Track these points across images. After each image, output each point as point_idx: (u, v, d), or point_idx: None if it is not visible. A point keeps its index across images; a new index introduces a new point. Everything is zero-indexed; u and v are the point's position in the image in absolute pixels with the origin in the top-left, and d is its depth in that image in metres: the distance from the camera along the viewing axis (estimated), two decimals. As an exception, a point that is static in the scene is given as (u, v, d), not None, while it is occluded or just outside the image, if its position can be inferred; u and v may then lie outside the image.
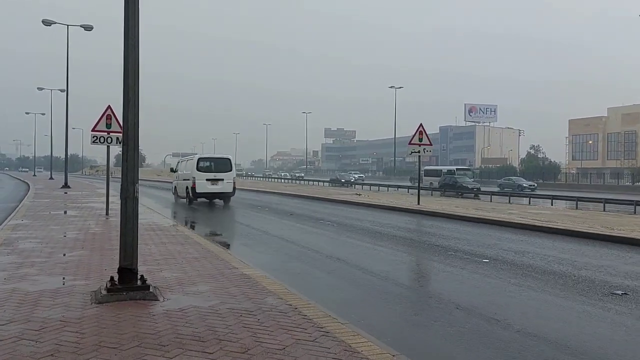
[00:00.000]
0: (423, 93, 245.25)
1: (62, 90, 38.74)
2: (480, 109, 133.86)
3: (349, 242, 11.76)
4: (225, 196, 22.23)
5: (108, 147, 16.57)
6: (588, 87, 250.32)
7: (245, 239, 12.45)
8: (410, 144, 20.46)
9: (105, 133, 16.20)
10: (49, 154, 70.03)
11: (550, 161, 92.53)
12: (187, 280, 6.89)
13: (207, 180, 21.51)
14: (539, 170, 76.20)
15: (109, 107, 16.36)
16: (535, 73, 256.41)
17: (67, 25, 35.53)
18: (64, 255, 8.82)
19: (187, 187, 21.83)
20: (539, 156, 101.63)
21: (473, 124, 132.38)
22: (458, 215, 16.70)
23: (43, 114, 66.73)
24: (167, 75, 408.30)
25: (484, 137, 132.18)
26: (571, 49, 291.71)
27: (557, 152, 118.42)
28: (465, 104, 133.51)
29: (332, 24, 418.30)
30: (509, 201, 33.82)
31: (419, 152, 20.23)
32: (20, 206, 19.18)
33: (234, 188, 22.08)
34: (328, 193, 29.97)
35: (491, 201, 33.76)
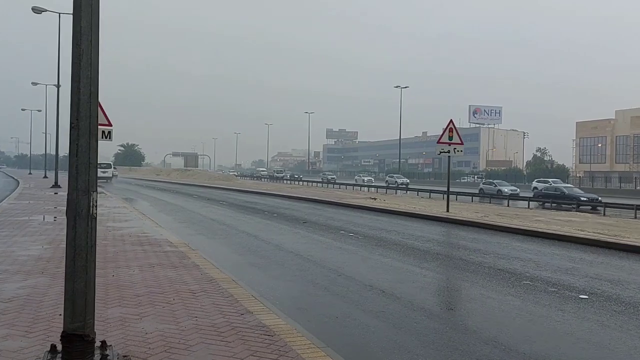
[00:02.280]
0: (426, 95, 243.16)
1: (57, 86, 36.40)
2: (484, 110, 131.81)
3: (385, 263, 9.39)
4: None
5: (92, 142, 14.21)
6: (594, 90, 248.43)
7: (254, 256, 10.09)
8: (439, 142, 18.12)
9: (89, 126, 13.86)
10: (48, 151, 67.86)
11: (558, 164, 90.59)
12: (179, 341, 4.51)
13: None
14: (546, 173, 73.84)
15: (93, 95, 14.02)
16: (541, 75, 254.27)
17: (59, 14, 33.22)
18: (13, 285, 6.44)
19: None
20: (545, 159, 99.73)
21: (477, 125, 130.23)
22: (495, 226, 14.38)
23: (39, 111, 64.32)
24: (168, 73, 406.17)
25: (489, 139, 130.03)
26: (577, 51, 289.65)
27: (564, 155, 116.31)
28: (469, 105, 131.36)
29: (336, 24, 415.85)
30: (528, 206, 31.74)
31: (448, 152, 17.88)
32: (-7, 209, 16.79)
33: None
34: (340, 197, 27.56)
35: (508, 205, 31.69)
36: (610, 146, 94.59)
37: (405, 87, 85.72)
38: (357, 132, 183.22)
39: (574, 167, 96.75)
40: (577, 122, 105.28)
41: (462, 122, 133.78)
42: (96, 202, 3.84)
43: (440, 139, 18.04)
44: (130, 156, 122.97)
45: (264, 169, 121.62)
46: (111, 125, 14.32)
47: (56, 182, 35.43)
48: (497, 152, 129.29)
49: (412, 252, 10.52)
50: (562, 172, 79.72)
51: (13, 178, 55.58)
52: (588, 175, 79.48)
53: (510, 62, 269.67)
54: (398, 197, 32.82)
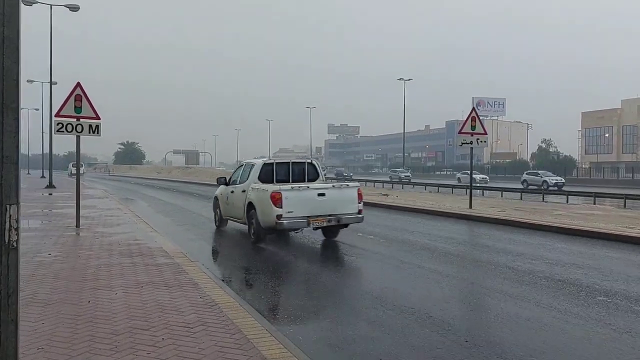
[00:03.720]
0: (429, 89, 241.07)
1: (51, 83, 34.90)
2: (488, 102, 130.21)
3: (422, 274, 7.92)
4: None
5: (78, 137, 12.75)
6: (600, 78, 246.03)
7: (262, 264, 8.62)
8: (460, 132, 16.60)
9: (74, 119, 12.40)
10: (47, 151, 66.31)
11: (564, 155, 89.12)
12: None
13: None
14: (553, 165, 72.20)
15: (78, 85, 12.55)
16: (545, 65, 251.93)
17: (51, 5, 31.74)
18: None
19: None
20: (550, 150, 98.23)
21: (481, 117, 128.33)
22: (530, 224, 12.88)
23: (37, 110, 62.70)
24: (167, 68, 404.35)
25: (493, 131, 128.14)
26: (580, 41, 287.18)
27: (569, 146, 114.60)
28: (472, 97, 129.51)
29: (336, 23, 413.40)
30: (543, 199, 30.25)
31: (471, 142, 16.36)
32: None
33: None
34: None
35: (521, 199, 30.17)
36: (617, 136, 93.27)
37: (409, 80, 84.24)
38: (359, 126, 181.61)
39: (579, 158, 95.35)
40: (582, 112, 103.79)
41: (466, 114, 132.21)
42: (17, 221, 2.35)
43: (461, 128, 16.51)
44: (131, 154, 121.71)
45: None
46: (99, 119, 12.85)
47: (50, 183, 34.15)
48: (501, 144, 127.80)
49: (447, 258, 9.04)
50: (569, 163, 78.23)
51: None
52: (594, 166, 78.01)
53: (513, 54, 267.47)
54: (408, 193, 31.30)
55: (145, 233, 11.37)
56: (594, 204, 26.98)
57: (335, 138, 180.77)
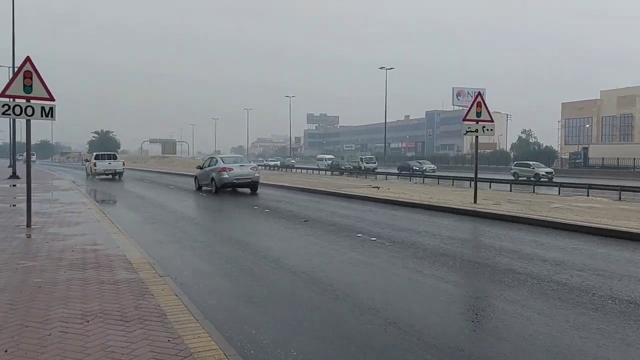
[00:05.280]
0: (410, 82, 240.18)
1: (14, 68, 32.23)
2: (468, 92, 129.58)
3: (448, 291, 6.38)
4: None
5: (28, 121, 10.85)
6: (579, 71, 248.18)
7: (247, 278, 6.97)
8: (465, 120, 15.05)
9: (23, 100, 10.49)
10: (19, 139, 63.12)
11: (545, 146, 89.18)
12: None
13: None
14: (533, 155, 71.48)
15: (27, 60, 10.62)
16: (526, 59, 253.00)
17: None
18: None
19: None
20: (530, 141, 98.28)
21: (461, 108, 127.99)
22: (550, 222, 11.47)
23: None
24: (143, 59, 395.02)
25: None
26: (562, 34, 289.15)
27: (549, 137, 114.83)
28: (453, 88, 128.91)
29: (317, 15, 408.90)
30: (533, 191, 29.18)
31: (476, 131, 14.85)
32: None
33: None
34: (337, 185, 24.37)
35: (511, 191, 29.03)
36: (597, 127, 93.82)
37: (391, 69, 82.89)
38: (338, 116, 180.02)
39: (559, 149, 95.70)
40: (562, 103, 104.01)
41: (446, 104, 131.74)
42: None
43: (466, 116, 14.97)
44: (105, 143, 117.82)
45: (273, 158, 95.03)
46: (53, 100, 10.94)
47: (14, 173, 31.66)
48: (466, 135, 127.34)
49: (475, 270, 7.52)
50: (550, 154, 77.91)
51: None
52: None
53: (493, 45, 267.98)
54: (397, 184, 29.83)
55: (107, 235, 9.60)
56: (588, 195, 25.98)
57: (314, 128, 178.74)
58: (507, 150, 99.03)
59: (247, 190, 21.79)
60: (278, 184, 26.10)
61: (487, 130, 14.77)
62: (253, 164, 23.30)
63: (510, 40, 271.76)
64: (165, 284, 6.01)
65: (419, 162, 59.73)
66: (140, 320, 4.65)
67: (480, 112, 14.63)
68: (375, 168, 55.93)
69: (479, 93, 14.99)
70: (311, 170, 55.12)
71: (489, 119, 14.86)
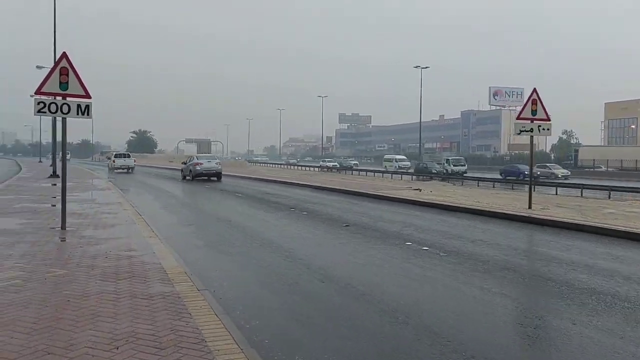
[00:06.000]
0: (443, 83, 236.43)
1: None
2: (505, 92, 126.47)
3: (523, 315, 5.56)
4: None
5: (64, 120, 10.50)
6: (623, 70, 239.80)
7: (293, 291, 6.31)
8: (519, 118, 14.07)
9: (60, 97, 10.12)
10: (53, 138, 64.14)
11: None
12: None
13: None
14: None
15: (63, 55, 10.25)
16: (563, 58, 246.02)
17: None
18: None
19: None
20: (571, 142, 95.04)
21: (498, 108, 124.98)
22: (606, 229, 10.43)
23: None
24: (182, 57, 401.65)
25: (510, 121, 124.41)
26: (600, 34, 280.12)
27: (591, 137, 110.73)
28: (489, 87, 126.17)
29: (347, 23, 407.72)
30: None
31: (531, 130, 13.84)
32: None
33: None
34: (375, 187, 23.55)
35: (557, 194, 27.61)
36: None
37: (426, 67, 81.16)
38: (370, 116, 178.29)
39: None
40: (605, 103, 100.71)
41: (482, 104, 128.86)
42: None
43: (520, 114, 13.99)
44: (143, 143, 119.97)
45: (330, 159, 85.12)
46: (89, 97, 10.52)
47: (54, 172, 31.92)
48: (519, 135, 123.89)
49: (545, 287, 6.67)
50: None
51: (20, 167, 52.14)
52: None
53: (529, 43, 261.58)
54: (436, 187, 28.77)
55: (142, 239, 9.11)
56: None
57: (346, 127, 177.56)
58: (547, 151, 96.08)
59: (280, 190, 21.24)
60: (327, 186, 25.42)
61: (543, 129, 13.74)
62: (217, 160, 33.16)
63: (549, 40, 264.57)
64: (204, 299, 5.40)
65: (550, 166, 48.36)
66: (176, 347, 4.02)
67: (536, 110, 13.61)
68: (465, 172, 47.06)
69: (535, 90, 13.94)
70: (380, 173, 45.62)
71: (545, 117, 13.81)
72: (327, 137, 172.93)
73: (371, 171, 49.12)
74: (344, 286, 6.50)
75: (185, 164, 33.30)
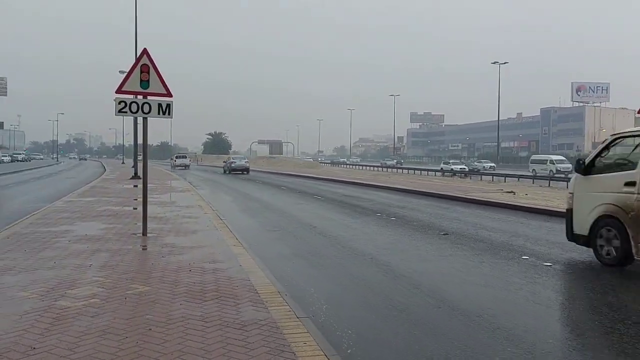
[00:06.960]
0: (520, 78, 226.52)
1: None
2: (589, 87, 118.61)
3: None
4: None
5: (145, 120, 10.00)
6: None
7: (405, 319, 5.25)
8: (644, 112, 12.22)
9: (141, 96, 9.63)
10: (140, 141, 66.80)
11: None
12: None
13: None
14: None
15: (144, 52, 9.73)
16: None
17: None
18: None
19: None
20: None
21: (581, 104, 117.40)
22: None
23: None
24: (256, 58, 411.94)
25: (595, 119, 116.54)
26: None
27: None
28: (572, 83, 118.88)
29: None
30: None
31: (661, 127, 11.87)
32: (35, 212, 13.20)
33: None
34: (463, 189, 21.98)
35: None
36: None
37: (505, 63, 77.30)
38: (443, 115, 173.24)
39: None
40: None
41: (564, 101, 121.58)
42: None
43: (645, 107, 12.16)
44: (218, 144, 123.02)
45: (453, 160, 64.27)
46: (171, 96, 9.98)
47: (136, 173, 32.62)
48: (605, 133, 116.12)
49: None
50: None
51: (104, 168, 54.51)
52: None
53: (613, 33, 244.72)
54: (528, 188, 26.58)
55: (226, 248, 8.37)
56: None
57: (418, 127, 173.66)
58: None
59: (360, 193, 20.20)
60: (409, 188, 24.14)
61: (675, 125, 11.77)
62: (246, 159, 49.11)
63: (631, 37, 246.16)
64: (306, 332, 4.44)
65: None
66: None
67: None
68: (571, 171, 34.04)
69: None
70: (515, 178, 35.84)
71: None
72: (398, 137, 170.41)
73: (513, 176, 36.82)
74: (467, 314, 5.35)
75: (225, 162, 48.71)
